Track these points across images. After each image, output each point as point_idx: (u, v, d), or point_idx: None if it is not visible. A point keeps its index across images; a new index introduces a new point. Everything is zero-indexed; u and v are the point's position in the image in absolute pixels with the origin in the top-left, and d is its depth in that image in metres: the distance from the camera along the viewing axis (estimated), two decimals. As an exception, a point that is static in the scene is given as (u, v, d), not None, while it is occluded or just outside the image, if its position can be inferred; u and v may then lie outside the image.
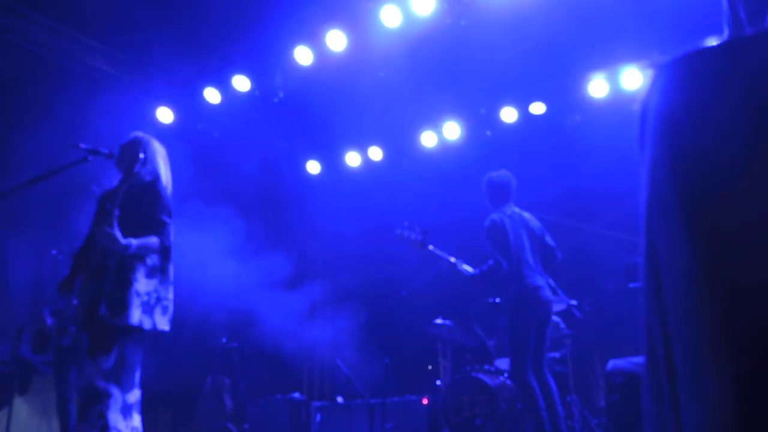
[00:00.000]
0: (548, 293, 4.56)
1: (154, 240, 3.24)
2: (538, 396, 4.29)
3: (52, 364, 5.07)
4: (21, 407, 5.26)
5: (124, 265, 3.15)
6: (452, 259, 4.89)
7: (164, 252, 3.31)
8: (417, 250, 4.98)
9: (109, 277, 3.13)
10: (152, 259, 3.27)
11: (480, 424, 5.24)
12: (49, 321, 4.92)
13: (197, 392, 6.96)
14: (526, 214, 4.85)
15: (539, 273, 4.62)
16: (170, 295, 3.33)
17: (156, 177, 3.46)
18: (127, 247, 3.09)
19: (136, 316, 3.10)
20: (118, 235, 3.07)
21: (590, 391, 6.30)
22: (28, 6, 6.11)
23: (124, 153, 3.48)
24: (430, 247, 4.98)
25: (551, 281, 4.83)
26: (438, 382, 6.07)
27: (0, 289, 5.71)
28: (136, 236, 3.18)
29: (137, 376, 3.16)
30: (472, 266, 4.84)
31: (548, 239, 4.85)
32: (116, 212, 3.13)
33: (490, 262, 4.67)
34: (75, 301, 3.33)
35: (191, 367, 7.10)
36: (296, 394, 6.80)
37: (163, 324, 3.26)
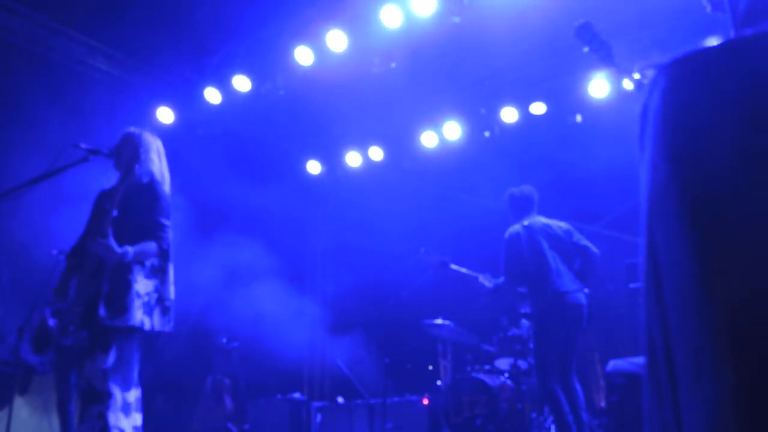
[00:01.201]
0: (578, 297, 4.45)
1: (152, 246, 3.21)
2: (564, 403, 4.25)
3: (53, 364, 5.06)
4: (21, 407, 5.25)
5: (122, 266, 3.14)
6: (476, 275, 4.96)
7: (164, 253, 3.30)
8: (439, 271, 5.05)
9: (107, 278, 3.11)
10: (151, 261, 3.26)
11: (480, 425, 5.24)
12: (51, 322, 4.92)
13: (197, 392, 6.95)
14: (550, 221, 4.77)
15: (569, 277, 4.51)
16: (171, 296, 3.32)
17: (152, 176, 3.42)
18: (124, 255, 3.07)
19: (137, 317, 3.09)
20: (114, 244, 3.05)
21: (591, 392, 6.30)
22: (27, 5, 6.11)
23: (120, 151, 3.45)
24: (452, 266, 5.05)
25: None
26: (438, 383, 6.07)
27: (7, 288, 5.72)
28: (134, 240, 3.17)
29: (136, 374, 3.15)
30: (493, 277, 4.88)
31: (577, 239, 4.69)
32: (114, 213, 3.11)
33: (502, 279, 4.72)
34: (71, 303, 3.31)
35: (191, 367, 7.10)
36: (296, 395, 6.80)
37: (164, 325, 3.25)
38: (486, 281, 4.93)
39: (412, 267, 5.83)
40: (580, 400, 4.34)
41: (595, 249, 4.66)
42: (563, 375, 4.40)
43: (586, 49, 2.62)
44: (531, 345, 4.75)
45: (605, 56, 2.64)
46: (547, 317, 4.41)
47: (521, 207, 4.85)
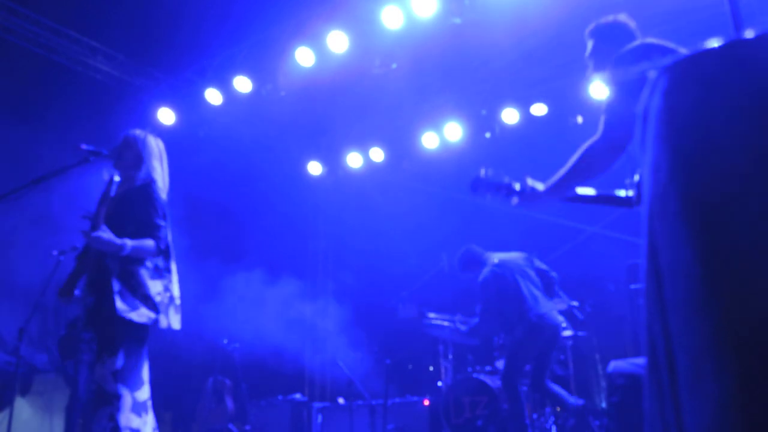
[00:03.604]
0: (554, 317, 4.80)
1: (150, 243, 3.19)
2: (524, 406, 4.69)
3: (73, 366, 5.12)
4: (22, 408, 5.26)
5: (126, 271, 3.12)
6: (451, 323, 5.38)
7: (164, 253, 3.29)
8: (415, 322, 5.38)
9: (117, 277, 3.10)
10: (153, 261, 3.25)
11: (481, 425, 5.24)
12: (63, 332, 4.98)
13: (198, 393, 6.95)
14: (508, 255, 5.11)
15: (543, 299, 4.86)
16: (178, 293, 3.32)
17: (150, 178, 3.40)
18: (122, 247, 3.06)
19: (149, 315, 3.10)
20: (112, 235, 3.05)
21: (592, 393, 6.30)
22: (29, 7, 6.11)
23: (121, 154, 3.44)
24: (430, 314, 5.33)
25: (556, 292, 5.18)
26: (439, 383, 6.07)
27: (7, 289, 5.72)
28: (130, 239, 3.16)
29: (145, 373, 3.15)
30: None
31: (537, 264, 5.12)
32: (103, 211, 3.12)
33: (477, 320, 5.07)
34: (77, 303, 3.31)
35: (192, 368, 7.10)
36: (297, 395, 6.80)
37: (176, 323, 3.25)
38: (460, 326, 5.33)
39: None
40: (558, 394, 4.70)
41: (553, 273, 5.14)
42: (537, 382, 4.77)
43: (488, 198, 2.71)
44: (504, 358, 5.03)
45: (508, 194, 2.71)
46: (524, 343, 4.74)
47: (474, 257, 5.19)
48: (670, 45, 2.31)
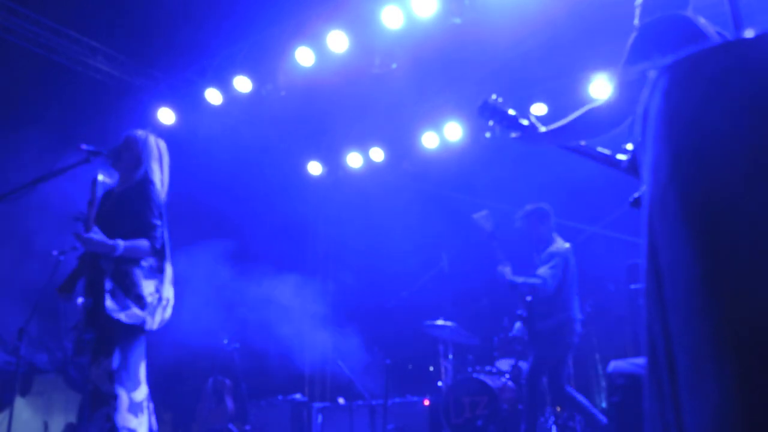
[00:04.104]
0: (579, 326, 4.92)
1: (144, 243, 3.19)
2: (547, 403, 4.79)
3: (83, 365, 5.15)
4: (22, 408, 5.26)
5: (120, 271, 3.12)
6: (501, 261, 5.15)
7: (159, 252, 3.28)
8: (483, 237, 5.20)
9: (110, 277, 3.10)
10: (147, 261, 3.24)
11: (481, 425, 5.23)
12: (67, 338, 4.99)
13: (198, 393, 6.95)
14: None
15: (580, 306, 5.00)
16: (170, 294, 3.32)
17: (147, 178, 3.40)
18: (114, 248, 3.06)
19: (140, 315, 3.09)
20: (103, 236, 3.05)
21: (592, 393, 6.29)
22: (29, 7, 6.12)
23: (120, 154, 3.43)
24: (495, 243, 5.24)
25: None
26: (439, 383, 6.07)
27: (7, 289, 5.72)
28: (125, 239, 3.15)
29: (142, 373, 3.15)
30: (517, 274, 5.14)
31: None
32: (93, 212, 3.12)
33: (539, 282, 4.88)
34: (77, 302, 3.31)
35: (192, 368, 7.10)
36: (298, 396, 6.80)
37: (162, 323, 3.25)
38: (507, 273, 5.01)
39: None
40: (583, 403, 4.69)
41: None
42: (557, 388, 4.80)
43: (491, 123, 2.76)
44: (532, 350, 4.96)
45: (511, 125, 2.75)
46: (555, 338, 4.80)
47: (549, 222, 5.11)
48: (709, 30, 2.26)
